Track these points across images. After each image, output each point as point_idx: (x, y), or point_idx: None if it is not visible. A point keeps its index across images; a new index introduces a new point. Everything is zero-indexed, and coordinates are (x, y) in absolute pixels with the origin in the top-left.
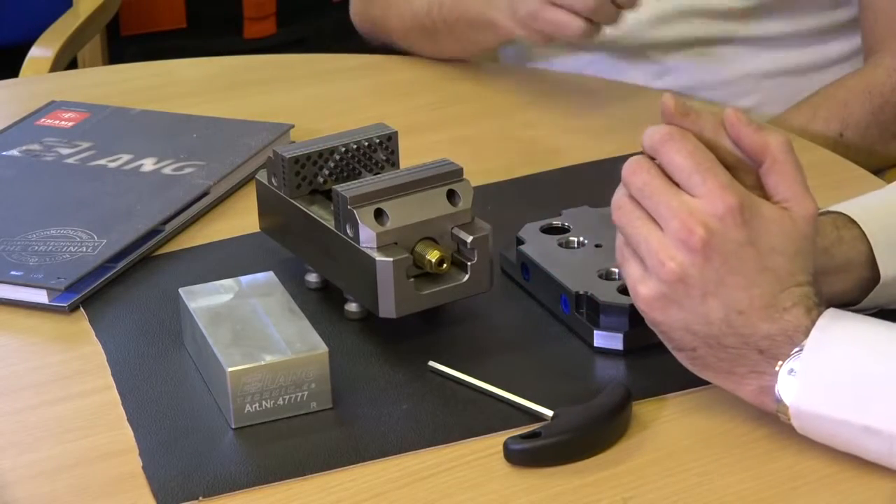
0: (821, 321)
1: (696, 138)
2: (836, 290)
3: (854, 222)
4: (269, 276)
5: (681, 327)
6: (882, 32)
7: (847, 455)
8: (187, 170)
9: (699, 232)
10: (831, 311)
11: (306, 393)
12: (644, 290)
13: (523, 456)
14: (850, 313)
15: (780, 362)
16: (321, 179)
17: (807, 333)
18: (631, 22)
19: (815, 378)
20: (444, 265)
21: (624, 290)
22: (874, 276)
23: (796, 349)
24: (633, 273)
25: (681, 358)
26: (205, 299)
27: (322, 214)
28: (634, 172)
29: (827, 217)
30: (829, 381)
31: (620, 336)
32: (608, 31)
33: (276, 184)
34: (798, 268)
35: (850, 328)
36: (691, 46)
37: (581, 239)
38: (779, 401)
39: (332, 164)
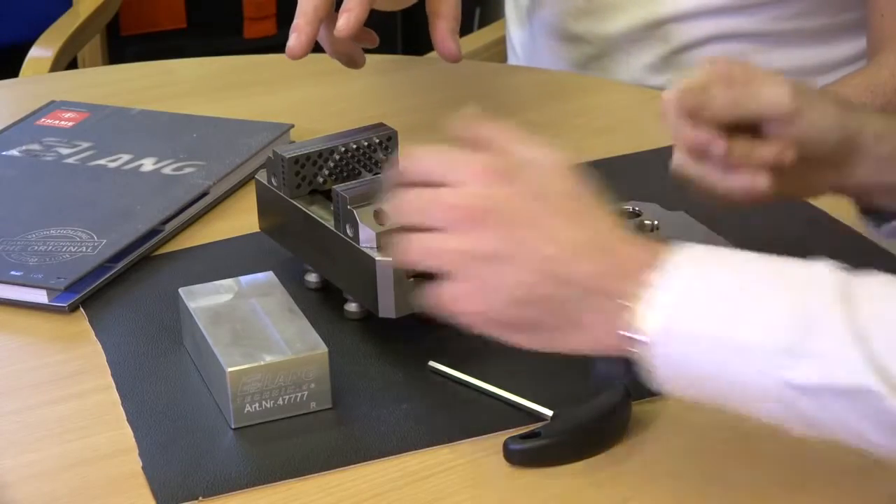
0: (667, 251)
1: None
2: (876, 179)
3: None
4: (268, 276)
5: (506, 304)
6: (887, 32)
7: (848, 455)
8: (187, 170)
9: (462, 208)
10: (675, 244)
11: (306, 393)
12: (452, 291)
13: (523, 456)
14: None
15: (631, 293)
16: (321, 179)
17: (646, 264)
18: (635, 21)
19: (678, 298)
20: None
21: None
22: None
23: (645, 276)
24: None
25: (526, 342)
26: (204, 299)
27: (322, 214)
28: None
29: (883, 113)
30: (693, 298)
31: None
32: (617, 25)
33: (275, 184)
34: (594, 205)
35: (699, 251)
36: (696, 46)
37: None
38: (638, 333)
39: (331, 164)
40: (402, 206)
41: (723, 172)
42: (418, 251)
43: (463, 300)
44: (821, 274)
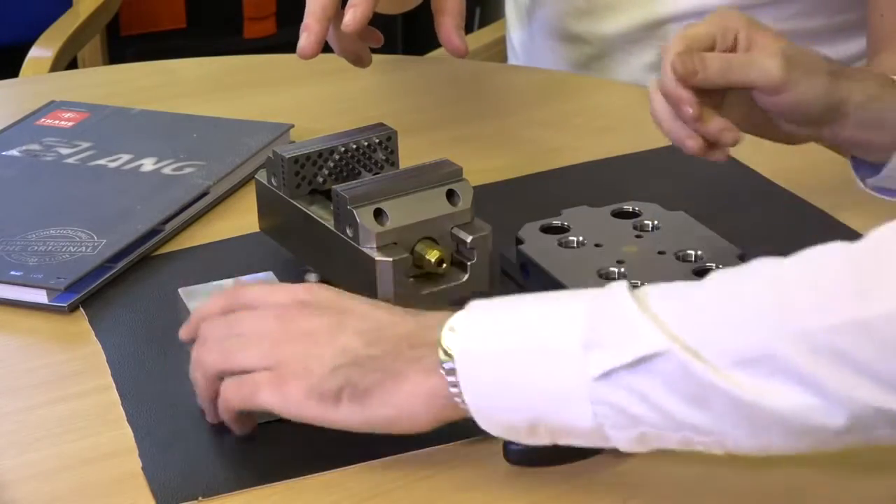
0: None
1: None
2: (862, 139)
3: None
4: (268, 275)
5: (328, 370)
6: (887, 32)
7: (848, 455)
8: (187, 170)
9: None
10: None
11: None
12: (262, 381)
13: (523, 456)
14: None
15: (436, 340)
16: (321, 179)
17: (449, 316)
18: (634, 21)
19: (471, 326)
20: (444, 265)
21: None
22: None
23: (443, 324)
24: (255, 388)
25: (342, 409)
26: (204, 299)
27: (322, 214)
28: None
29: (878, 74)
30: (488, 322)
31: None
32: (616, 25)
33: (275, 184)
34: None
35: (493, 300)
36: None
37: (581, 238)
38: (445, 364)
39: (331, 164)
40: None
41: (688, 130)
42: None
43: (283, 381)
44: (614, 286)
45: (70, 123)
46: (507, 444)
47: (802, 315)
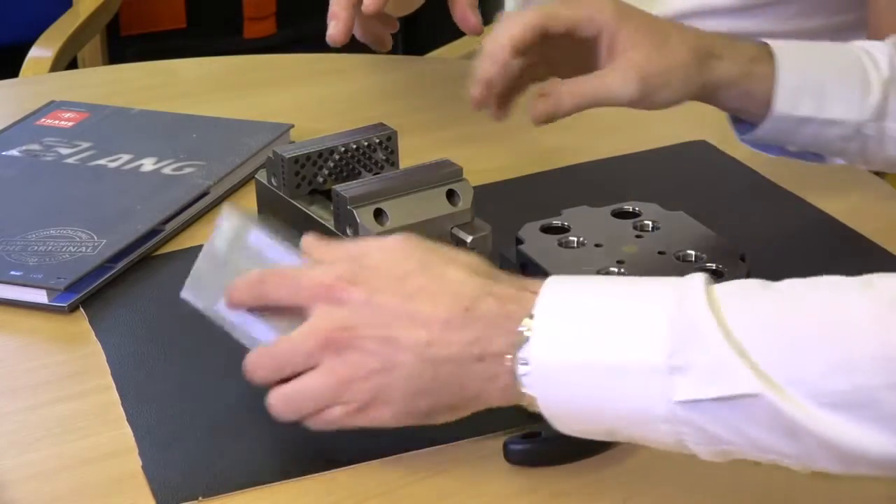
0: (532, 292)
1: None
2: (733, 108)
3: (772, 59)
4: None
5: (406, 399)
6: (886, 32)
7: None
8: (187, 170)
9: (322, 339)
10: (549, 280)
11: None
12: (350, 415)
13: (523, 456)
14: (563, 277)
15: (504, 349)
16: (321, 179)
17: (512, 315)
18: None
19: (547, 332)
20: None
21: None
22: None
23: (513, 326)
24: (331, 411)
25: (441, 421)
26: (206, 291)
27: (322, 214)
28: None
29: (751, 46)
30: (564, 333)
31: None
32: None
33: (275, 184)
34: (439, 277)
35: (564, 284)
36: None
37: (581, 238)
38: (519, 376)
39: (331, 164)
40: (258, 362)
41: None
42: (295, 401)
43: (368, 414)
44: (690, 286)
45: (70, 123)
46: (507, 444)
47: None
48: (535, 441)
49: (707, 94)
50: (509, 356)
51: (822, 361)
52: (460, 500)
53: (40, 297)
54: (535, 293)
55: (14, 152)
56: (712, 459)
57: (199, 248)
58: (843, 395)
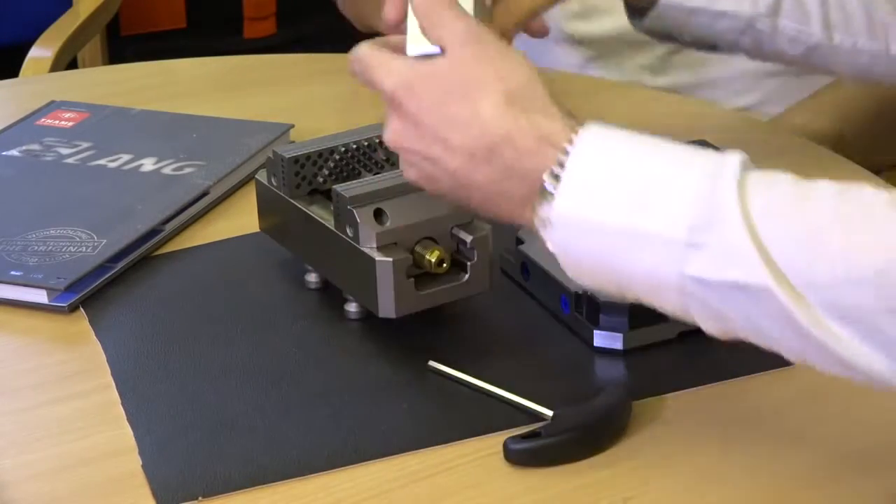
0: (569, 134)
1: None
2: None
3: None
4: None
5: (450, 198)
6: None
7: (847, 455)
8: (187, 170)
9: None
10: (590, 124)
11: None
12: (414, 175)
13: (523, 456)
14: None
15: (529, 192)
16: (321, 179)
17: (543, 156)
18: (626, 23)
19: (575, 183)
20: (444, 265)
21: None
22: None
23: (558, 155)
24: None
25: (462, 201)
26: None
27: (322, 214)
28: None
29: None
30: (590, 183)
31: (620, 336)
32: (607, 26)
33: (275, 184)
34: (506, 86)
35: (605, 133)
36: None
37: None
38: (537, 226)
39: (331, 164)
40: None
41: None
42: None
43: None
44: (727, 164)
45: (70, 123)
46: (507, 444)
47: None
48: (535, 441)
49: None
50: (528, 206)
51: (833, 273)
52: (460, 500)
53: (40, 297)
54: (556, 147)
55: (14, 152)
56: (715, 335)
57: (199, 248)
58: (848, 310)
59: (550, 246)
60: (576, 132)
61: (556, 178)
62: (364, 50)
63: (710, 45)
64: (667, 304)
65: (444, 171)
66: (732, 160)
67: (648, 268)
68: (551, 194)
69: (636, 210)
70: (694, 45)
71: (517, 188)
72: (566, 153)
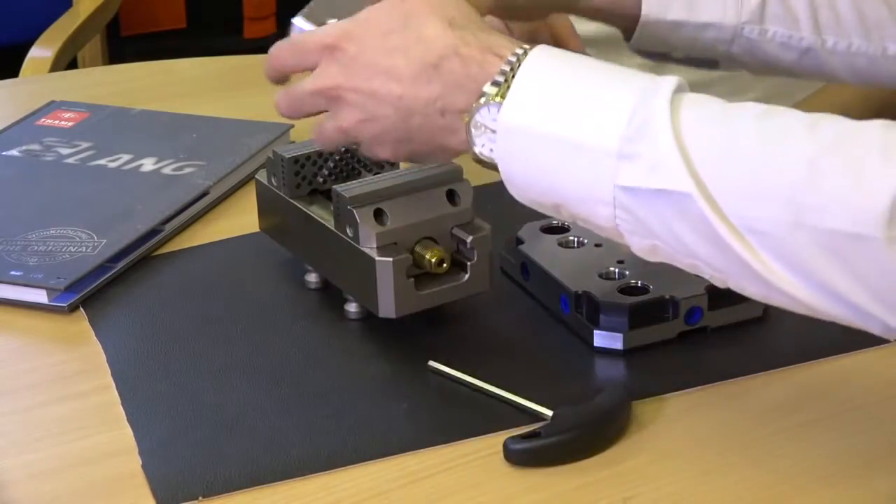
0: (527, 56)
1: None
2: (615, 24)
3: None
4: None
5: (392, 144)
6: None
7: (847, 455)
8: (187, 170)
9: (319, 92)
10: (538, 47)
11: None
12: (330, 128)
13: (523, 456)
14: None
15: (469, 104)
16: (321, 179)
17: (483, 73)
18: None
19: (520, 94)
20: (444, 265)
21: (624, 290)
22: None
23: (501, 65)
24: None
25: (411, 159)
26: None
27: (322, 214)
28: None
29: None
30: (535, 95)
31: (620, 336)
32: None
33: (275, 184)
34: (419, 28)
35: (547, 53)
36: None
37: (581, 238)
38: (473, 136)
39: (331, 164)
40: (280, 104)
41: None
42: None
43: (370, 150)
44: (663, 83)
45: (70, 123)
46: (507, 444)
47: (823, 214)
48: (535, 441)
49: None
50: (466, 115)
51: (747, 185)
52: (460, 500)
53: (40, 297)
54: (501, 57)
55: (14, 152)
56: (644, 255)
57: (199, 248)
58: (757, 222)
59: (490, 153)
60: (521, 48)
61: (497, 85)
62: (285, 40)
63: (704, 61)
64: (599, 219)
65: (388, 100)
66: (668, 79)
67: (582, 178)
68: (494, 102)
69: (574, 121)
70: (689, 61)
71: (460, 100)
72: (509, 64)
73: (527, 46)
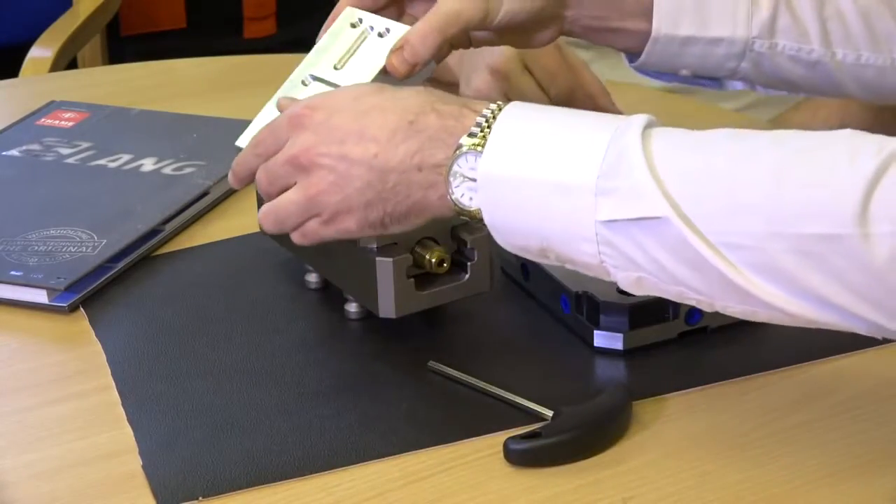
0: (481, 112)
1: None
2: (620, 45)
3: None
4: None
5: (363, 209)
6: None
7: (847, 455)
8: (187, 170)
9: (285, 163)
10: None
11: None
12: (320, 224)
13: (523, 456)
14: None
15: (445, 159)
16: None
17: (458, 129)
18: None
19: (498, 144)
20: (444, 265)
21: (624, 290)
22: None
23: (477, 117)
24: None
25: (376, 230)
26: None
27: None
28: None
29: None
30: (513, 144)
31: (620, 336)
32: None
33: None
34: (396, 99)
35: (518, 107)
36: None
37: None
38: (453, 187)
39: None
40: (261, 181)
41: None
42: (277, 214)
43: (336, 225)
44: (633, 121)
45: (70, 123)
46: (507, 444)
47: (796, 220)
48: (535, 441)
49: (565, 7)
50: (444, 167)
51: (721, 202)
52: (460, 500)
53: (40, 297)
54: (476, 112)
55: (14, 152)
56: (631, 289)
57: (199, 248)
58: (734, 237)
59: (470, 202)
60: (495, 103)
61: (473, 136)
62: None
63: (712, 78)
64: (584, 256)
65: (362, 160)
66: (639, 117)
67: (564, 218)
68: (473, 151)
69: (552, 163)
70: (694, 80)
71: (438, 153)
72: (484, 116)
73: (500, 102)
